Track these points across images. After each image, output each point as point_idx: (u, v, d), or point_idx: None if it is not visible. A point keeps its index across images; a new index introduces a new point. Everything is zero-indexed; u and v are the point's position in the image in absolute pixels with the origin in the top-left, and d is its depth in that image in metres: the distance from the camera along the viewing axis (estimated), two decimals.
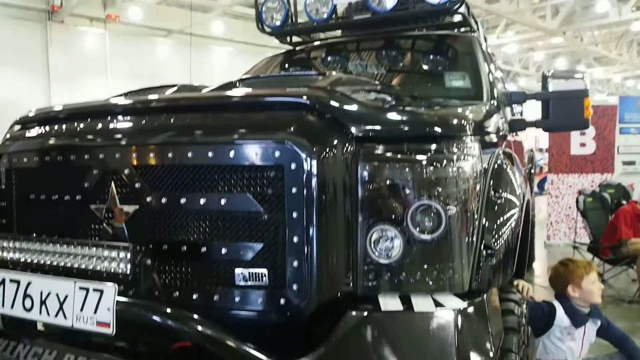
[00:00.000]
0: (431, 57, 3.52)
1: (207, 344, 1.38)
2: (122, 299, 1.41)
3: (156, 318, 1.36)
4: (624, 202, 5.88)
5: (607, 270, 5.68)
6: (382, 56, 3.58)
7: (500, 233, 1.79)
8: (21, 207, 2.07)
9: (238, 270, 1.59)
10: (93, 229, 1.76)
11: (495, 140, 2.12)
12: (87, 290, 1.44)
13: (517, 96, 2.83)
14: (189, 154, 1.62)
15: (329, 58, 3.72)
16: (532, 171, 5.75)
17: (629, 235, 5.19)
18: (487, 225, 1.72)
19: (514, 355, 1.87)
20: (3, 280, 1.61)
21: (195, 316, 1.39)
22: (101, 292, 1.41)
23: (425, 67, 3.45)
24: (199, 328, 1.35)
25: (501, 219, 1.82)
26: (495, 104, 2.56)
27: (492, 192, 1.81)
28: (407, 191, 1.58)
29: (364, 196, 1.57)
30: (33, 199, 2.00)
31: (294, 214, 1.51)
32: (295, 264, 1.51)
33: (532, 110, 2.87)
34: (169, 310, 1.37)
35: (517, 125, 2.82)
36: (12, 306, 1.58)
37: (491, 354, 1.53)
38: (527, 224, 2.68)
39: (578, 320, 2.78)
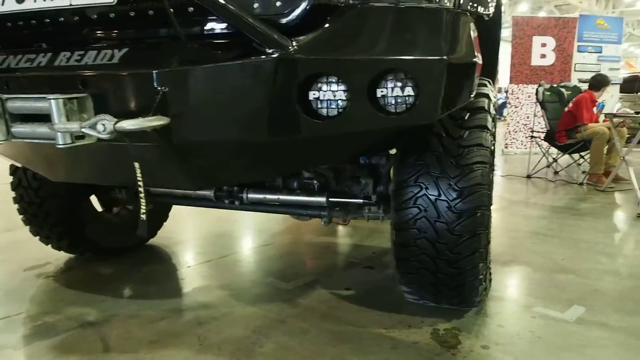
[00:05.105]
0: None
1: (220, 13, 1.39)
2: None
3: None
4: None
5: (559, 156, 6.12)
6: None
7: None
8: None
9: None
10: None
11: None
12: None
13: None
14: None
15: None
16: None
17: (590, 120, 5.47)
18: None
19: (487, 133, 1.98)
20: None
21: None
22: None
23: None
24: None
25: None
26: None
27: None
28: None
29: None
30: None
31: None
32: None
33: None
34: None
35: None
36: (2, 3, 1.55)
37: (478, 55, 1.67)
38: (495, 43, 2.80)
39: None
